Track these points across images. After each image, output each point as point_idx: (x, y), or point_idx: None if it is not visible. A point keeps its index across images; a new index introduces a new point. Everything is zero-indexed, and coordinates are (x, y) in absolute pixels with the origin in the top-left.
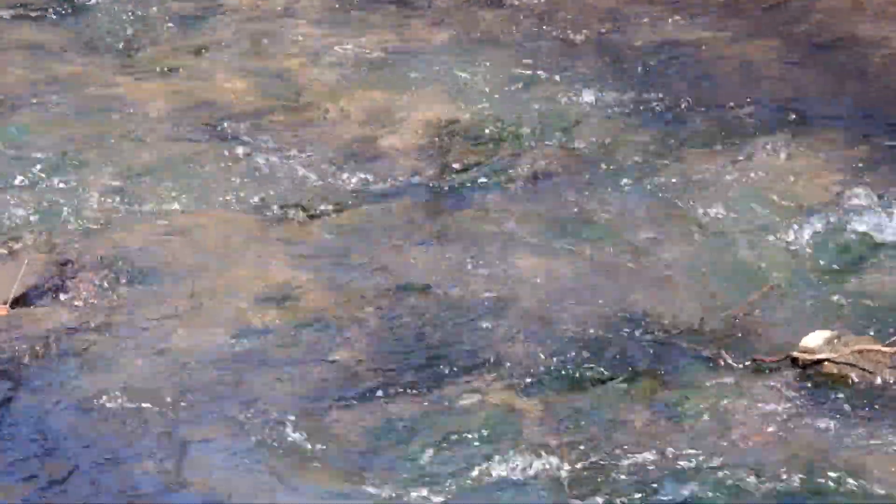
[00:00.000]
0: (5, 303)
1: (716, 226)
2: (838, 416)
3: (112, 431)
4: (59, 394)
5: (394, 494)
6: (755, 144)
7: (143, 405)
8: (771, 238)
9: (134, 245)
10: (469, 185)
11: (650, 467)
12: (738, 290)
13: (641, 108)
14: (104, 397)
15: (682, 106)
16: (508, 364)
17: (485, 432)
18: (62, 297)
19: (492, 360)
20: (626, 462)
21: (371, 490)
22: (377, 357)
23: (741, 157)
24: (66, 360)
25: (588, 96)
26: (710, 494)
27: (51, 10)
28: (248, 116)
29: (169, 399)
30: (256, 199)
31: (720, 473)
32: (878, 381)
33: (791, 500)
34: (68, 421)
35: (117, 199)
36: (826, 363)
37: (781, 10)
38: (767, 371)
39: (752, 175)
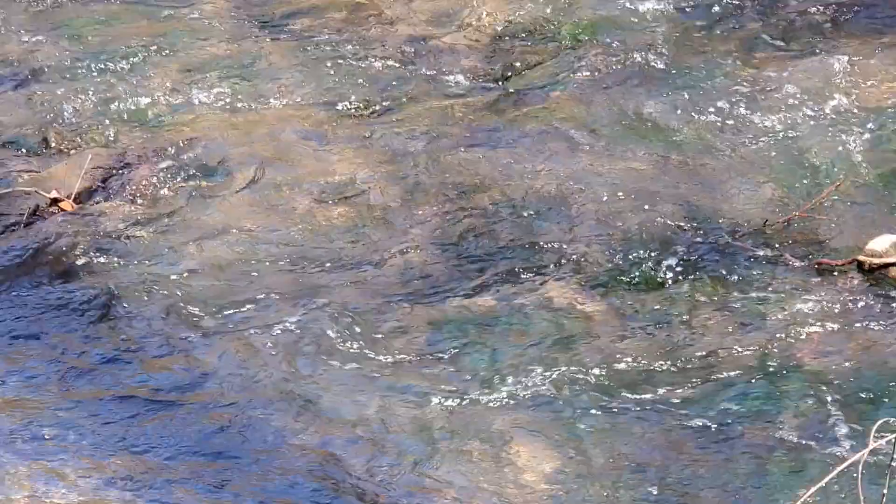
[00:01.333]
0: (69, 196)
1: (779, 128)
2: None
3: (177, 321)
4: (125, 284)
5: (454, 387)
6: (819, 47)
7: (208, 297)
8: (835, 141)
9: (196, 139)
10: (530, 85)
11: (714, 365)
12: (802, 193)
13: (702, 10)
14: (168, 288)
15: (744, 8)
16: (572, 264)
17: (548, 330)
18: (126, 190)
19: (555, 260)
20: (689, 360)
21: (429, 382)
22: (440, 254)
23: (804, 60)
24: (130, 253)
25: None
26: (775, 394)
27: None
28: (310, 13)
29: (233, 292)
30: (318, 95)
31: (785, 373)
32: None
33: (855, 402)
34: (133, 311)
35: (180, 94)
36: (893, 268)
37: None
38: (833, 274)
39: (817, 77)
